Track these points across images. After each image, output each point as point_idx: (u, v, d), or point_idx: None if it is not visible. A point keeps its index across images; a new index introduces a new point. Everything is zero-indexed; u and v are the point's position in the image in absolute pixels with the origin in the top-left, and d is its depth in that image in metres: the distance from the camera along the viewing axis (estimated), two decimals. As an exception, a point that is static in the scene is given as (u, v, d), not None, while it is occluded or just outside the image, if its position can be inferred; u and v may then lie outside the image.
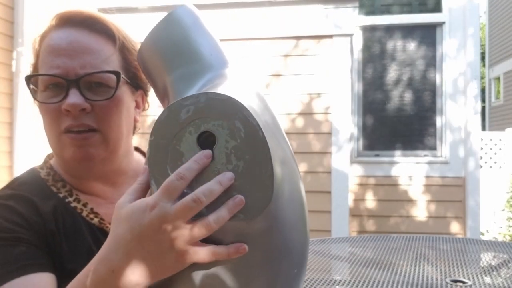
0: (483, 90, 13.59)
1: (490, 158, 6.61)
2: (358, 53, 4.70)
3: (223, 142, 0.54)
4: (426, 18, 4.61)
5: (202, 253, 0.54)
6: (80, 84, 0.74)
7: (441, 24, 4.54)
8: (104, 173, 0.82)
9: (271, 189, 0.53)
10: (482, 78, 14.20)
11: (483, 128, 12.77)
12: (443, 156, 4.46)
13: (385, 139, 4.63)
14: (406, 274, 1.30)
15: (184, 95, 0.62)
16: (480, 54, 4.52)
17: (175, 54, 0.66)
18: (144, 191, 0.58)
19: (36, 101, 0.79)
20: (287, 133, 0.64)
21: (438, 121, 4.51)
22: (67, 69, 0.74)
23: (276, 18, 3.83)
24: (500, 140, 6.61)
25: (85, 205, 0.80)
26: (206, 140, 0.55)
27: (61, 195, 0.79)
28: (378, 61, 4.71)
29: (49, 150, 0.88)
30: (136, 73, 0.82)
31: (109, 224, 0.79)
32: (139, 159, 0.91)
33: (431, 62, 4.58)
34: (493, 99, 13.05)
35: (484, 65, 14.22)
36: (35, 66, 0.80)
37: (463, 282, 1.22)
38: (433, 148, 4.52)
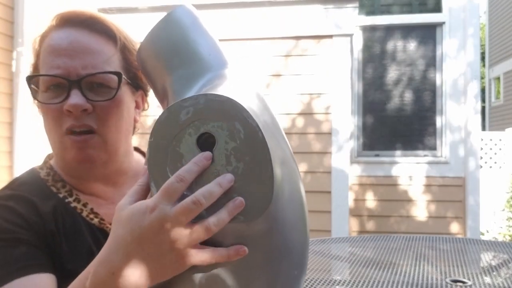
0: (483, 90, 13.59)
1: (490, 158, 6.61)
2: (358, 53, 4.70)
3: (223, 143, 0.54)
4: (426, 18, 4.61)
5: (202, 256, 0.54)
6: (82, 85, 0.74)
7: (441, 24, 4.54)
8: (104, 174, 0.82)
9: (271, 190, 0.53)
10: (482, 78, 14.20)
11: (483, 128, 12.77)
12: (443, 156, 4.46)
13: (385, 139, 4.63)
14: (406, 274, 1.30)
15: (183, 96, 0.62)
16: (480, 54, 4.52)
17: (174, 54, 0.66)
18: (145, 192, 0.58)
19: (37, 102, 0.79)
20: (287, 133, 0.64)
21: (438, 121, 4.51)
22: (69, 69, 0.74)
23: (276, 18, 3.83)
24: (500, 140, 6.61)
25: (85, 205, 0.80)
26: (205, 142, 0.55)
27: (61, 195, 0.79)
28: (378, 61, 4.71)
29: (49, 150, 0.88)
30: (136, 73, 0.82)
31: (109, 224, 0.79)
32: (139, 159, 0.91)
33: (431, 62, 4.58)
34: (493, 99, 13.05)
35: (484, 65, 14.22)
36: (36, 66, 0.80)
37: (463, 282, 1.22)
38: (433, 148, 4.52)
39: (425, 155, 4.50)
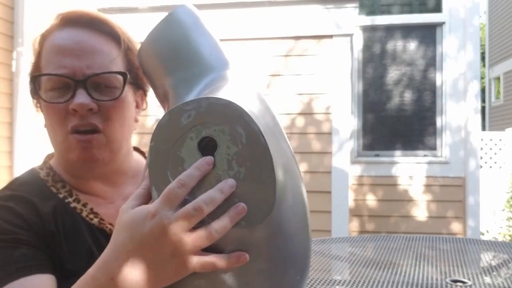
0: (483, 90, 13.59)
1: (490, 158, 6.61)
2: (358, 53, 4.70)
3: (225, 148, 0.53)
4: (426, 18, 4.61)
5: (203, 262, 0.53)
6: (87, 84, 0.75)
7: (441, 24, 4.54)
8: (105, 173, 0.82)
9: (273, 196, 0.52)
10: (482, 78, 14.20)
11: (483, 128, 12.77)
12: (443, 156, 4.46)
13: (385, 139, 4.63)
14: (406, 274, 1.30)
15: (184, 98, 0.61)
16: (480, 54, 4.52)
17: (175, 55, 0.65)
18: (149, 196, 0.58)
19: (35, 101, 0.79)
20: (287, 133, 0.64)
21: (438, 121, 4.51)
22: (74, 69, 0.74)
23: (276, 18, 3.83)
24: (500, 140, 6.61)
25: (84, 205, 0.80)
26: (207, 146, 0.54)
27: (60, 196, 0.79)
28: (378, 61, 4.71)
29: (49, 150, 0.88)
30: (137, 73, 0.83)
31: (109, 224, 0.79)
32: (139, 159, 0.91)
33: (431, 62, 4.58)
34: (493, 99, 13.05)
35: (484, 65, 14.22)
36: (37, 65, 0.80)
37: (463, 282, 1.22)
38: (433, 148, 4.52)
39: (425, 155, 4.50)
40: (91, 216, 0.79)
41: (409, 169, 4.45)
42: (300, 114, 3.79)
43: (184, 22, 0.66)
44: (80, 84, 0.74)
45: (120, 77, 0.78)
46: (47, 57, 0.77)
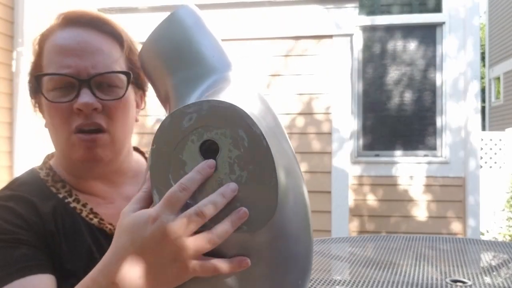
0: (483, 90, 13.59)
1: (490, 158, 6.61)
2: (358, 53, 4.70)
3: (226, 151, 0.53)
4: (426, 18, 4.61)
5: (204, 267, 0.53)
6: (91, 84, 0.75)
7: (441, 24, 4.54)
8: (105, 173, 0.82)
9: (275, 200, 0.52)
10: (482, 78, 14.20)
11: (483, 128, 12.77)
12: (443, 156, 4.46)
13: (385, 139, 4.63)
14: (406, 274, 1.30)
15: (186, 99, 0.61)
16: (480, 54, 4.52)
17: (176, 55, 0.64)
18: (149, 199, 0.58)
19: (42, 100, 0.78)
20: (287, 133, 0.63)
21: (438, 121, 4.51)
22: (79, 68, 0.75)
23: (276, 18, 3.83)
24: (500, 140, 6.61)
25: (84, 205, 0.80)
26: (209, 149, 0.54)
27: (60, 196, 0.79)
28: (378, 61, 4.71)
29: (49, 150, 0.88)
30: (138, 73, 0.83)
31: (109, 224, 0.79)
32: (138, 159, 0.91)
33: (431, 62, 4.58)
34: (493, 99, 13.05)
35: (484, 65, 14.22)
36: (37, 65, 0.79)
37: (463, 282, 1.22)
38: (433, 148, 4.52)
39: (425, 155, 4.50)
40: (91, 216, 0.79)
41: (409, 169, 4.45)
42: (300, 114, 3.79)
43: (186, 22, 0.66)
44: (84, 83, 0.74)
45: (124, 77, 0.79)
46: (49, 57, 0.77)
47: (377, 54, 4.71)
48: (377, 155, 4.59)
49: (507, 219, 6.07)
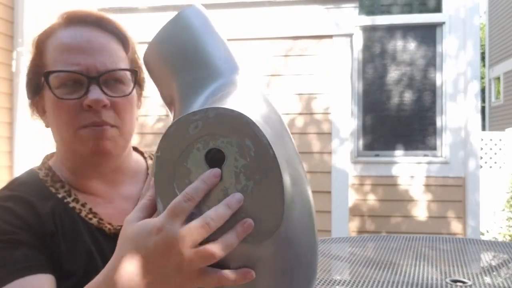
0: (483, 90, 13.58)
1: (490, 158, 6.61)
2: (358, 53, 4.70)
3: (232, 160, 0.52)
4: (426, 18, 4.61)
5: (208, 279, 0.52)
6: (100, 81, 0.76)
7: (441, 24, 4.54)
8: (106, 172, 0.82)
9: (282, 211, 0.51)
10: (482, 78, 14.20)
11: (483, 128, 12.77)
12: (443, 156, 4.46)
13: (385, 139, 4.63)
14: (406, 274, 1.30)
15: (191, 102, 0.60)
16: (480, 54, 4.52)
17: (182, 58, 0.63)
18: (153, 207, 0.57)
19: (47, 98, 0.78)
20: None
21: (438, 121, 4.51)
22: (87, 66, 0.75)
23: (276, 18, 3.83)
24: (500, 140, 6.61)
25: (83, 205, 0.79)
26: (214, 156, 0.53)
27: (59, 196, 0.79)
28: (378, 61, 4.71)
29: (49, 150, 0.88)
30: (139, 72, 0.84)
31: (108, 224, 0.79)
32: (138, 159, 0.91)
33: (431, 62, 4.58)
34: (493, 99, 13.05)
35: (484, 65, 14.22)
36: (39, 64, 0.79)
37: (463, 282, 1.21)
38: (433, 148, 4.52)
39: (425, 155, 4.50)
40: (90, 216, 0.79)
41: (409, 169, 4.45)
42: (300, 114, 3.79)
43: (193, 23, 0.64)
44: (93, 80, 0.75)
45: (130, 75, 0.80)
46: (53, 55, 0.77)
47: (377, 54, 4.71)
48: (377, 155, 4.59)
49: (507, 219, 6.06)
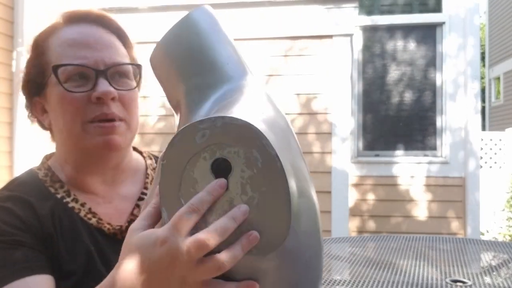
0: (483, 90, 13.58)
1: (490, 158, 6.61)
2: (358, 53, 4.70)
3: (239, 171, 0.51)
4: (426, 18, 4.61)
5: None
6: (107, 74, 0.77)
7: (441, 24, 4.54)
8: (109, 167, 0.82)
9: (288, 225, 0.50)
10: (482, 78, 14.19)
11: (483, 128, 12.77)
12: (443, 156, 4.46)
13: (385, 139, 4.63)
14: (406, 274, 1.30)
15: (197, 108, 0.59)
16: (480, 54, 4.52)
17: (189, 62, 0.62)
18: (158, 215, 0.56)
19: (55, 92, 0.78)
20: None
21: (438, 121, 4.51)
22: (96, 59, 0.76)
23: (276, 18, 3.83)
24: (500, 140, 6.61)
25: (83, 205, 0.79)
26: (220, 166, 0.52)
27: (58, 196, 0.79)
28: (378, 61, 4.71)
29: (49, 150, 0.88)
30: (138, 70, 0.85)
31: (107, 224, 0.79)
32: (138, 158, 0.91)
33: (431, 62, 4.58)
34: (493, 99, 13.05)
35: (484, 65, 14.22)
36: (41, 64, 0.79)
37: (463, 282, 1.21)
38: (433, 148, 4.52)
39: (425, 155, 4.50)
40: (89, 216, 0.79)
41: (409, 169, 4.45)
42: (300, 114, 3.79)
43: (201, 26, 0.63)
44: (101, 73, 0.76)
45: (136, 69, 0.82)
46: (58, 51, 0.78)
47: (377, 54, 4.71)
48: (377, 155, 4.59)
49: (507, 219, 6.06)
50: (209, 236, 0.49)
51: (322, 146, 3.73)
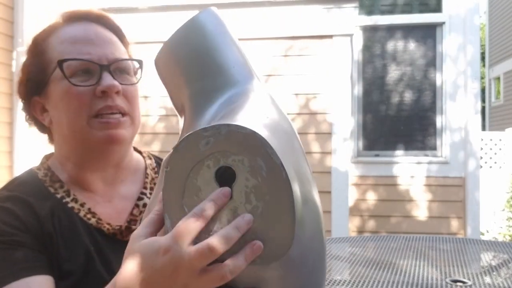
0: (483, 90, 13.58)
1: (490, 158, 6.61)
2: (358, 53, 4.69)
3: (243, 179, 0.50)
4: (426, 18, 4.61)
5: None
6: (111, 69, 0.78)
7: (441, 24, 4.54)
8: (112, 163, 0.82)
9: (292, 234, 0.49)
10: (482, 78, 14.19)
11: (483, 128, 12.77)
12: (443, 156, 4.46)
13: (385, 139, 4.63)
14: (406, 274, 1.30)
15: (202, 112, 0.58)
16: (480, 54, 4.52)
17: (195, 65, 0.61)
18: (161, 222, 0.56)
19: (59, 88, 0.78)
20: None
21: (438, 121, 4.51)
22: (98, 55, 0.78)
23: (276, 18, 3.83)
24: (500, 140, 6.61)
25: (82, 205, 0.79)
26: (224, 174, 0.51)
27: (58, 196, 0.79)
28: (378, 61, 4.71)
29: (49, 150, 0.88)
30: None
31: (107, 224, 0.79)
32: (138, 158, 0.91)
33: (431, 62, 4.58)
34: (493, 99, 13.05)
35: (484, 65, 14.22)
36: (42, 63, 0.79)
37: (463, 282, 1.21)
38: (433, 148, 4.52)
39: (425, 155, 4.50)
40: (89, 216, 0.79)
41: (409, 169, 4.45)
42: (300, 114, 3.79)
43: (207, 28, 0.62)
44: (105, 68, 0.77)
45: (137, 64, 0.84)
46: (60, 48, 0.78)
47: (377, 54, 4.71)
48: (377, 155, 4.58)
49: (507, 219, 6.06)
50: (212, 245, 0.49)
51: (322, 146, 3.72)
